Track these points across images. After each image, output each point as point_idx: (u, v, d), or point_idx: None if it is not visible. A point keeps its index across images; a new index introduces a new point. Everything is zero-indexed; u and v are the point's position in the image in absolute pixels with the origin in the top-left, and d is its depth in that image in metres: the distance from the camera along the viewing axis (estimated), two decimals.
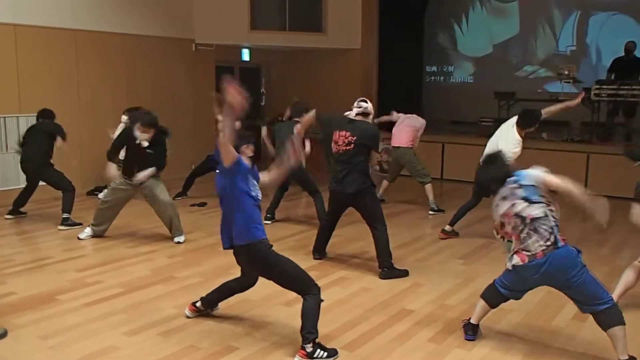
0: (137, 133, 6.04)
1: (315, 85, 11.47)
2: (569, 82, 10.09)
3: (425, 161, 8.27)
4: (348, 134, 5.26)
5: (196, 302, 4.32)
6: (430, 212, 7.88)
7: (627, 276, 4.44)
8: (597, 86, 9.56)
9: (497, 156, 4.03)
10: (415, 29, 12.51)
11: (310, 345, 3.62)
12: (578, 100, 6.57)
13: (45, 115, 7.10)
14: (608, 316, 3.56)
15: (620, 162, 8.82)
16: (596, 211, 3.56)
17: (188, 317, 4.30)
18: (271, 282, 3.91)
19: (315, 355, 3.62)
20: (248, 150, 3.91)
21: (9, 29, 8.01)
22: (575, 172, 9.15)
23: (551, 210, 3.63)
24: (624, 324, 3.57)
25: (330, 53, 11.58)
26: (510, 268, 3.76)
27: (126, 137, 6.17)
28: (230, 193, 3.77)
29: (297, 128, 6.00)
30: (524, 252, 3.65)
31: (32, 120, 7.28)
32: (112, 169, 6.12)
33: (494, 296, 3.91)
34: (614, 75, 9.88)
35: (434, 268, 5.63)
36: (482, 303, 3.98)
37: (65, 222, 6.77)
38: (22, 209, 7.27)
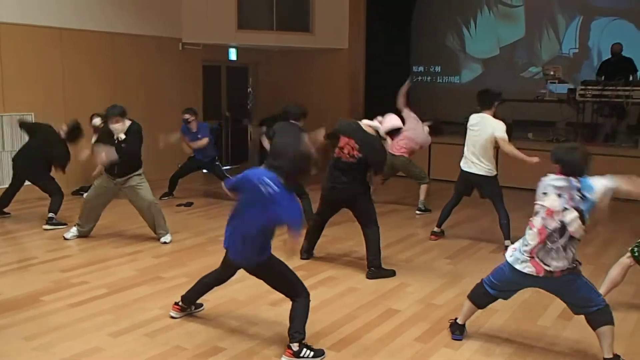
0: (113, 126, 6.00)
1: (303, 85, 11.45)
2: (554, 82, 10.17)
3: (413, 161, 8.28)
4: (355, 145, 5.18)
5: (178, 301, 4.30)
6: (418, 212, 7.91)
7: (613, 273, 4.47)
8: (583, 87, 9.65)
9: (578, 147, 3.60)
10: (403, 29, 12.56)
11: (297, 344, 3.62)
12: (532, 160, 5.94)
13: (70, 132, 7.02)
14: (599, 316, 3.58)
15: (605, 162, 8.93)
16: None
17: (174, 317, 4.28)
18: (257, 283, 3.90)
19: (301, 355, 3.61)
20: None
21: None
22: None
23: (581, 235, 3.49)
24: (614, 324, 3.60)
25: (318, 53, 11.58)
26: (503, 266, 3.72)
27: (107, 135, 6.13)
28: (267, 223, 3.63)
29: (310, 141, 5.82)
30: (542, 265, 3.49)
31: (15, 120, 7.19)
32: (102, 154, 6.00)
33: (482, 296, 3.91)
34: (603, 77, 9.94)
35: (420, 268, 5.65)
36: (469, 304, 3.98)
37: (50, 221, 6.71)
38: (5, 210, 7.20)
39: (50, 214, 6.74)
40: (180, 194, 8.47)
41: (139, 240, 6.31)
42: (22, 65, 8.24)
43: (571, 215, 3.40)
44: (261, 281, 3.87)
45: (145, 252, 5.93)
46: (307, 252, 5.79)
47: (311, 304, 4.08)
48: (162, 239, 6.23)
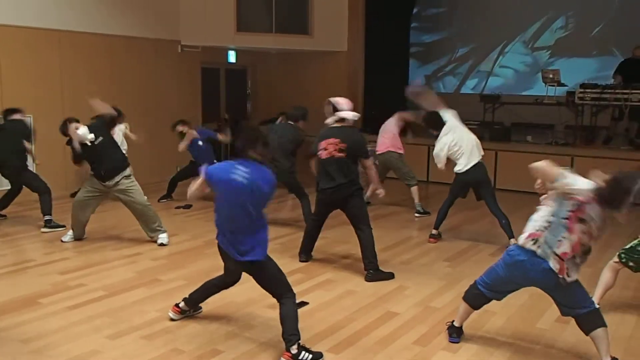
0: (76, 132, 5.98)
1: (302, 87, 11.46)
2: (553, 85, 10.17)
3: (411, 164, 8.29)
4: (337, 140, 5.25)
5: (179, 303, 4.29)
6: (416, 215, 7.91)
7: (605, 276, 4.49)
8: (582, 90, 9.65)
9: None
10: (402, 31, 12.55)
11: (295, 347, 3.61)
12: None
13: (12, 114, 6.95)
14: (590, 319, 3.58)
15: (604, 165, 8.92)
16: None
17: (172, 319, 4.27)
18: (255, 286, 3.89)
19: (300, 357, 3.60)
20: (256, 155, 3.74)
21: None
22: None
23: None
24: (606, 325, 3.59)
25: (317, 55, 11.59)
26: (496, 266, 3.73)
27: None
28: (257, 209, 3.70)
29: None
30: (566, 272, 3.50)
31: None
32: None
33: (476, 297, 3.91)
34: (620, 77, 9.69)
35: (419, 270, 5.64)
36: (464, 305, 3.98)
37: (47, 224, 6.70)
38: (2, 212, 7.19)
39: (47, 217, 6.73)
40: (178, 196, 8.46)
41: (137, 243, 6.30)
42: (20, 67, 8.24)
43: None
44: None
45: (144, 255, 5.92)
46: (306, 255, 5.79)
47: (309, 307, 4.09)
48: (159, 240, 6.22)
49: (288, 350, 3.62)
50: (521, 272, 3.60)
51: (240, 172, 3.65)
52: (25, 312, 4.40)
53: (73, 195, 8.52)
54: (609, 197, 3.27)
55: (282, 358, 3.64)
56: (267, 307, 4.52)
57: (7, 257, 5.80)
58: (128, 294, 4.82)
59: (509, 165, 9.42)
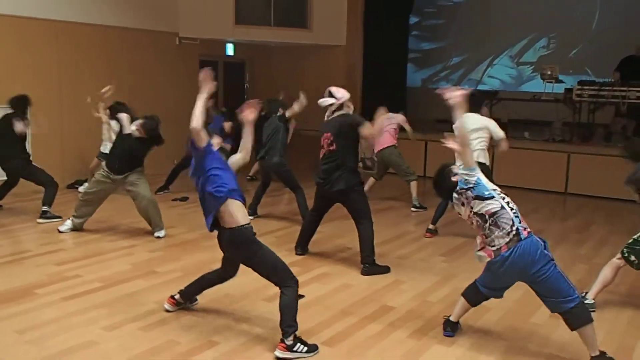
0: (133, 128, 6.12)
1: (300, 81, 11.38)
2: (551, 82, 10.18)
3: (408, 159, 8.29)
4: (328, 134, 5.30)
5: (175, 294, 4.30)
6: (413, 209, 7.93)
7: (605, 273, 4.50)
8: (579, 87, 9.65)
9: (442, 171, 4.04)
10: (400, 26, 12.55)
11: (291, 338, 3.62)
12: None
13: (13, 103, 6.89)
14: (575, 316, 3.56)
15: (601, 162, 8.95)
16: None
17: (168, 310, 4.28)
18: (252, 278, 3.90)
19: (295, 349, 3.62)
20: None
21: None
22: (556, 171, 9.26)
23: (507, 203, 3.64)
24: (592, 321, 3.59)
25: (316, 49, 11.57)
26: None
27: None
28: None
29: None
30: (490, 248, 3.66)
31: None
32: None
33: (475, 295, 3.93)
34: (620, 73, 9.72)
35: (415, 265, 5.66)
36: (462, 301, 4.00)
37: (44, 215, 6.69)
38: None
39: (44, 208, 6.72)
40: (176, 188, 8.46)
41: (134, 235, 6.30)
42: (16, 58, 8.21)
43: (476, 204, 3.76)
44: (256, 276, 3.87)
45: (140, 247, 5.92)
46: (302, 248, 5.80)
47: (305, 300, 4.08)
48: (156, 234, 6.23)
49: (283, 340, 3.63)
50: (497, 266, 3.66)
51: None
52: (21, 303, 4.40)
53: (70, 186, 8.54)
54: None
55: (277, 349, 3.65)
56: (263, 299, 4.53)
57: (3, 247, 5.79)
58: (124, 286, 4.82)
59: (506, 161, 9.42)
